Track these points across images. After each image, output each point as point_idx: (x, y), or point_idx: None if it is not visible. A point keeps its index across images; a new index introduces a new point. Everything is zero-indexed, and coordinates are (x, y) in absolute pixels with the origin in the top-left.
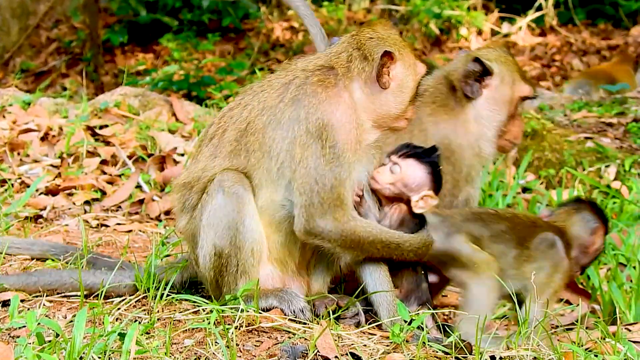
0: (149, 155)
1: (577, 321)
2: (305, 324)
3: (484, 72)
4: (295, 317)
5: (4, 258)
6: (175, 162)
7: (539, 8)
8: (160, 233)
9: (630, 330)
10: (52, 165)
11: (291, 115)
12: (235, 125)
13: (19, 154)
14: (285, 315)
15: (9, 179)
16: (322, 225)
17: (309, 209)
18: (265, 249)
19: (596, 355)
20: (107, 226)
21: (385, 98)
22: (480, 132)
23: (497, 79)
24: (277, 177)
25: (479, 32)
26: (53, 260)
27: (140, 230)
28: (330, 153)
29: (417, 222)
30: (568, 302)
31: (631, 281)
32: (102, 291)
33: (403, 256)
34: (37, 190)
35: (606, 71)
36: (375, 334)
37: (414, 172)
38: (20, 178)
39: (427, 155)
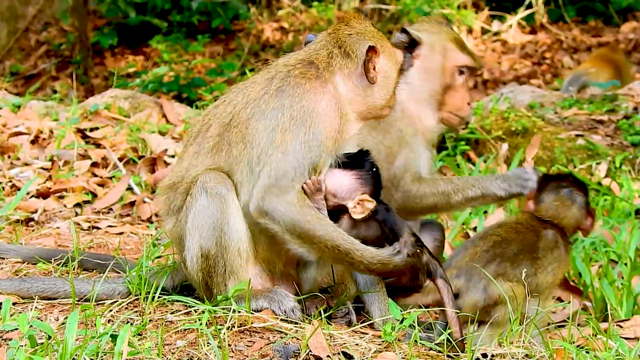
0: (140, 157)
1: (568, 318)
2: (296, 323)
3: (412, 43)
4: (287, 317)
5: None
6: (166, 164)
7: (529, 6)
8: (151, 235)
9: (621, 327)
10: (42, 168)
11: (275, 105)
12: (219, 120)
13: (9, 157)
14: (276, 315)
15: (0, 182)
16: (275, 205)
17: (270, 188)
18: (251, 248)
19: (587, 352)
20: (98, 228)
21: (372, 91)
22: (411, 100)
23: (426, 49)
24: (257, 168)
25: (470, 31)
26: (44, 263)
27: (131, 232)
28: (312, 139)
29: (380, 233)
30: (560, 300)
31: (622, 278)
32: (93, 294)
33: (354, 267)
34: (28, 194)
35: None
36: (367, 333)
37: (339, 181)
38: (10, 181)
39: (353, 159)
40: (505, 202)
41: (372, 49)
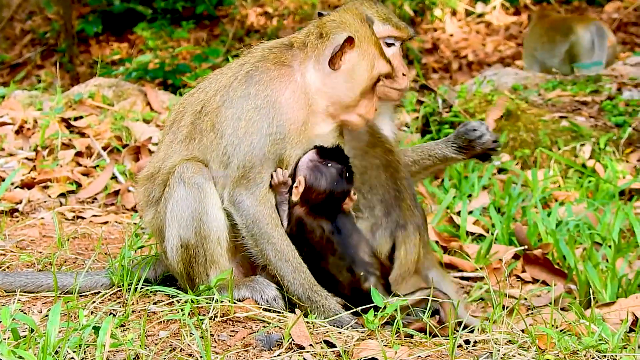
0: (124, 146)
1: (550, 303)
2: (279, 312)
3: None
4: (269, 307)
5: None
6: (150, 152)
7: None
8: (135, 224)
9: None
10: (27, 159)
11: (242, 92)
12: (192, 108)
13: None
14: (258, 305)
15: None
16: (243, 198)
17: (240, 180)
18: (231, 237)
19: (571, 336)
20: (83, 218)
21: (336, 80)
22: None
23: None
24: (225, 158)
25: (453, 13)
26: (29, 256)
27: (116, 222)
28: (276, 132)
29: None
30: (544, 283)
31: (607, 261)
32: (75, 287)
33: (290, 287)
34: (12, 184)
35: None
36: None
37: (303, 157)
38: None
39: (331, 152)
40: (465, 161)
41: (349, 40)
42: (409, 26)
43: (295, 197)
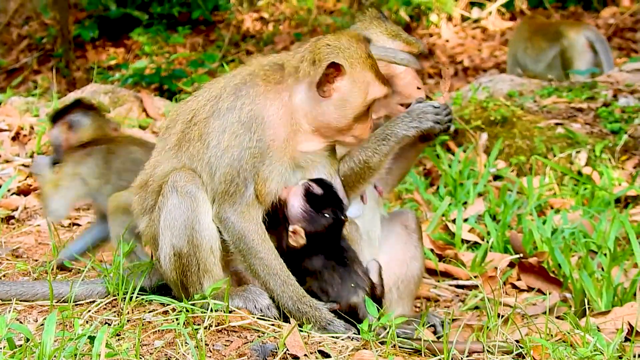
0: None
1: (544, 313)
2: (273, 322)
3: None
4: (263, 315)
5: None
6: None
7: None
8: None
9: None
10: (23, 165)
11: (229, 105)
12: (184, 117)
13: None
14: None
15: None
16: (229, 215)
17: (224, 195)
18: (224, 246)
19: (566, 347)
20: (79, 225)
21: (326, 107)
22: None
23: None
24: (211, 170)
25: (449, 18)
26: (24, 264)
27: None
28: (256, 147)
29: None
30: (540, 291)
31: (602, 269)
32: (71, 296)
33: (280, 298)
34: (8, 191)
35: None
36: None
37: (294, 202)
38: None
39: (322, 200)
40: (429, 142)
41: (334, 65)
42: (419, 41)
43: (295, 244)
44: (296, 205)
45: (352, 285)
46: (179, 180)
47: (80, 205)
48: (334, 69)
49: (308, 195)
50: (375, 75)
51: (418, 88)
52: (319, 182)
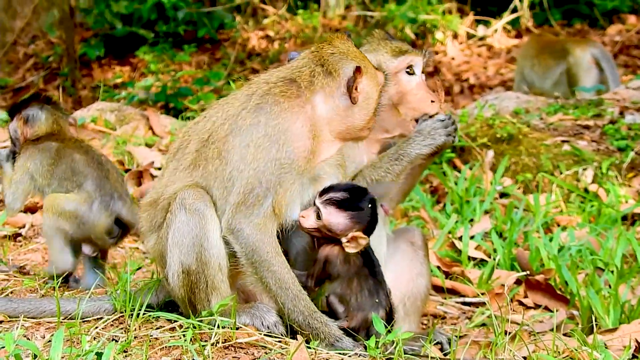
0: (127, 171)
1: (552, 329)
2: (280, 338)
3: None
4: (270, 332)
5: None
6: (153, 177)
7: (515, 10)
8: (138, 248)
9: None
10: None
11: (252, 121)
12: (198, 137)
13: None
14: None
15: None
16: (243, 226)
17: (239, 207)
18: (232, 263)
19: None
20: None
21: (352, 111)
22: None
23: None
24: (229, 184)
25: (455, 36)
26: (31, 280)
27: (119, 246)
28: (284, 157)
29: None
30: (547, 309)
31: (609, 286)
32: (78, 312)
33: (290, 313)
34: None
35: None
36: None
37: (336, 219)
38: None
39: (352, 199)
40: (436, 156)
41: (358, 70)
42: (428, 50)
43: (359, 248)
44: (340, 218)
45: (377, 301)
46: (187, 198)
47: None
48: (358, 73)
49: (339, 203)
50: (372, 65)
51: (432, 102)
52: (330, 189)
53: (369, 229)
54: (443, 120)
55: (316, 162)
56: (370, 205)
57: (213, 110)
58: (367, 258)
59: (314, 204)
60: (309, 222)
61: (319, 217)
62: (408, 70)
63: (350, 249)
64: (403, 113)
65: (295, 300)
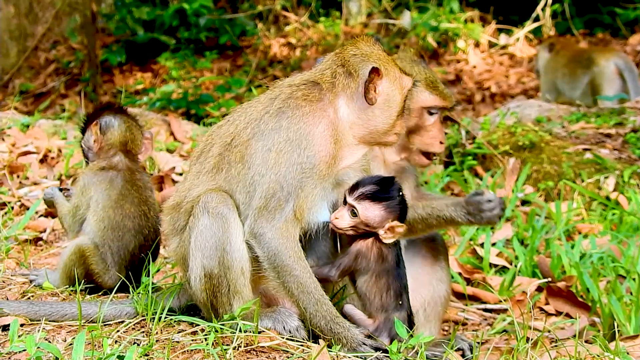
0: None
1: (574, 336)
2: (302, 342)
3: None
4: (292, 337)
5: (3, 282)
6: (174, 182)
7: (537, 19)
8: (160, 253)
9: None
10: None
11: (274, 125)
12: (221, 140)
13: (18, 176)
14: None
15: (9, 202)
16: (265, 230)
17: (262, 211)
18: (255, 267)
19: None
20: None
21: (372, 113)
22: None
23: None
24: (251, 188)
25: (477, 44)
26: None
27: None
28: (306, 162)
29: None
30: (568, 316)
31: (631, 293)
32: (100, 315)
33: (312, 318)
34: (36, 213)
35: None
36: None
37: (373, 213)
38: (19, 201)
39: (382, 190)
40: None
41: (374, 70)
42: (452, 94)
43: (397, 235)
44: (376, 211)
45: (400, 303)
46: (210, 201)
47: None
48: (375, 74)
49: (373, 196)
50: (399, 69)
51: (440, 143)
52: (358, 185)
53: (402, 216)
54: (491, 201)
55: (338, 167)
56: (399, 193)
57: (236, 114)
58: (398, 258)
59: (345, 203)
60: (345, 221)
61: (354, 214)
62: (432, 110)
63: (388, 239)
64: (412, 142)
65: (317, 305)
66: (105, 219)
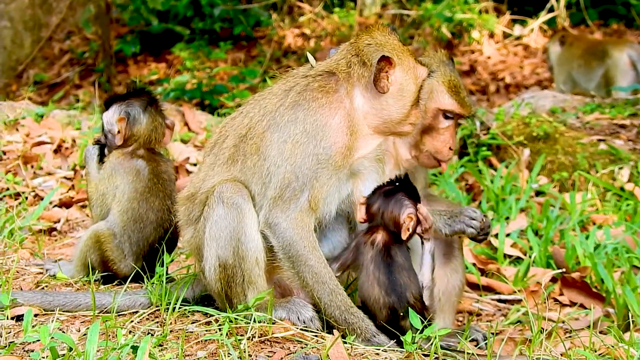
0: None
1: (588, 326)
2: (316, 333)
3: None
4: (306, 327)
5: (17, 272)
6: (188, 172)
7: (551, 9)
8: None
9: None
10: (65, 178)
11: (290, 117)
12: (236, 132)
13: (32, 166)
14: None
15: (23, 192)
16: (280, 220)
17: (277, 201)
18: (269, 257)
19: None
20: None
21: (386, 102)
22: None
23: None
24: (267, 179)
25: (491, 35)
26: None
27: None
28: (322, 153)
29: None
30: (582, 306)
31: None
32: (114, 306)
33: (327, 307)
34: (50, 203)
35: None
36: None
37: (392, 207)
38: (34, 191)
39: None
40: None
41: (385, 59)
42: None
43: (406, 235)
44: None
45: (401, 314)
46: (225, 192)
47: None
48: (386, 63)
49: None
50: (415, 59)
51: (450, 149)
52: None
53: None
54: (475, 212)
55: (354, 157)
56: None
57: (250, 106)
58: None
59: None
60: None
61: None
62: (447, 113)
63: (409, 229)
64: (423, 142)
65: (332, 295)
66: (129, 210)
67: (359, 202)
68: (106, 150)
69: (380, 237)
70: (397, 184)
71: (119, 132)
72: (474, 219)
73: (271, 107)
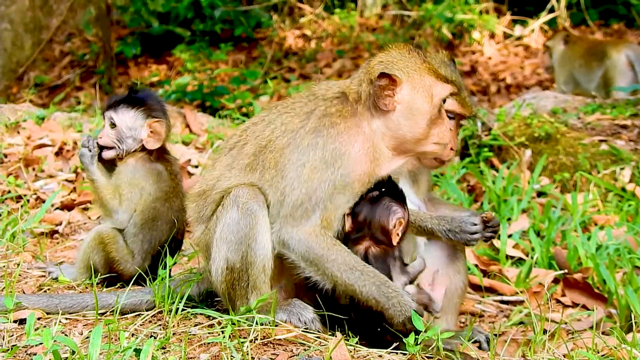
0: None
1: (591, 327)
2: (319, 335)
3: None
4: (307, 329)
5: (19, 275)
6: (190, 174)
7: (552, 10)
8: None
9: None
10: (67, 180)
11: (310, 142)
12: (256, 140)
13: (34, 169)
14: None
15: (25, 195)
16: (291, 235)
17: (288, 219)
18: (276, 266)
19: None
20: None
21: (397, 121)
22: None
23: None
24: (281, 198)
25: (492, 35)
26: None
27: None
28: (339, 180)
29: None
30: (584, 307)
31: None
32: (117, 308)
33: (362, 293)
34: (52, 206)
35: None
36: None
37: (379, 215)
38: (35, 194)
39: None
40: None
41: (386, 76)
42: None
43: (396, 240)
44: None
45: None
46: (241, 196)
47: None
48: (388, 81)
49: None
50: (435, 77)
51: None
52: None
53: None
54: (475, 225)
55: (373, 181)
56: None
57: (273, 116)
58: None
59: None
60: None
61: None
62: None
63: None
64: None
65: (364, 275)
66: (151, 209)
67: (344, 214)
68: (104, 155)
69: (362, 247)
70: (382, 189)
71: (150, 135)
72: (474, 233)
73: (292, 127)
